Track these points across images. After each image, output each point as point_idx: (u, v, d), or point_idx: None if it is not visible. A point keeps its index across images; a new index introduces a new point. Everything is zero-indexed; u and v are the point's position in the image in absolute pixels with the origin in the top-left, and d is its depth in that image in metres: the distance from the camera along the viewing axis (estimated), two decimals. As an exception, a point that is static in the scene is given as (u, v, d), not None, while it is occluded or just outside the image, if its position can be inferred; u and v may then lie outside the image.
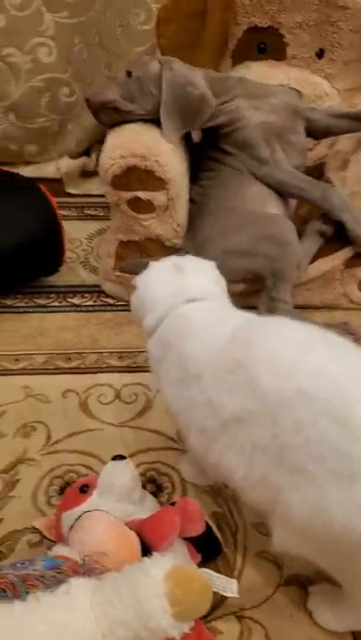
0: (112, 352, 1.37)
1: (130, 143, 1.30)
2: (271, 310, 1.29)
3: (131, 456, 1.12)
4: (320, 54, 1.54)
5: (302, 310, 1.49)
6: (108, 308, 1.53)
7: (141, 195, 1.35)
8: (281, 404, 0.70)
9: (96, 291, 1.58)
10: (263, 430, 0.72)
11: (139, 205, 1.37)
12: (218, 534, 0.92)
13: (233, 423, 0.76)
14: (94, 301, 1.55)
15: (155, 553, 0.76)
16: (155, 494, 1.06)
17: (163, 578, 0.69)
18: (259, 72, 1.56)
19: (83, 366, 1.34)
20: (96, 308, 1.52)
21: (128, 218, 1.40)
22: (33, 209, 1.43)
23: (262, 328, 0.81)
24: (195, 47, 1.50)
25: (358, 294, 1.48)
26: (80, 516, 0.85)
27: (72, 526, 0.84)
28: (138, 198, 1.36)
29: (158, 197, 1.35)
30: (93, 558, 0.77)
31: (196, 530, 0.86)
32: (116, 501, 0.88)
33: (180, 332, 0.89)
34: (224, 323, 0.87)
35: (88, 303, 1.54)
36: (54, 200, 1.48)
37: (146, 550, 0.81)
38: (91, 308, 1.52)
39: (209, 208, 1.43)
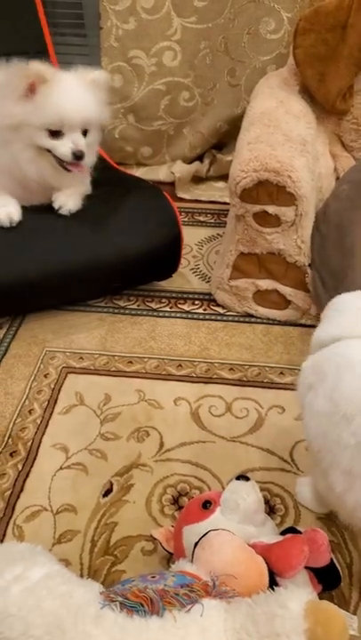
0: (223, 363, 1.37)
1: (264, 157, 1.29)
2: None
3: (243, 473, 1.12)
4: None
5: None
6: (219, 317, 1.53)
7: (270, 209, 1.34)
8: None
9: (206, 299, 1.58)
10: None
11: (265, 219, 1.36)
12: (338, 565, 0.91)
13: None
14: (204, 309, 1.55)
15: (288, 584, 0.75)
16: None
17: (303, 613, 0.68)
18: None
19: (193, 375, 1.34)
20: (206, 317, 1.52)
21: (252, 230, 1.39)
22: (158, 215, 1.45)
23: None
24: (331, 60, 1.48)
25: None
26: (206, 534, 0.85)
27: (197, 543, 0.85)
28: (265, 212, 1.35)
29: (287, 213, 1.34)
30: (222, 580, 0.77)
31: (323, 561, 0.85)
32: (239, 522, 0.88)
33: (340, 364, 0.84)
34: None
35: (198, 311, 1.55)
36: (176, 207, 1.50)
37: (271, 577, 0.81)
38: (201, 316, 1.52)
39: None
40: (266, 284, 1.47)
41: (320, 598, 0.89)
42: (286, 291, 1.44)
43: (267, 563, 0.82)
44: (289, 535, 0.85)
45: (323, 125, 1.62)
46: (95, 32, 1.98)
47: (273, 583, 0.81)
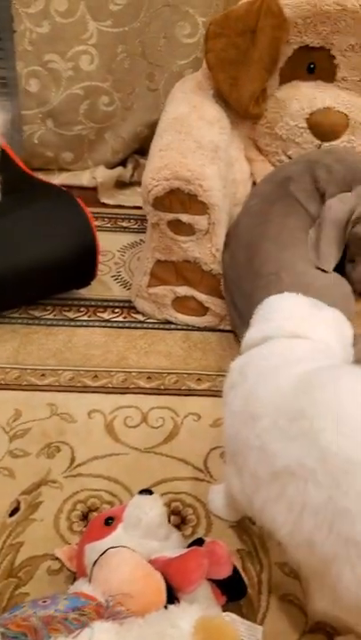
0: (141, 372, 1.35)
1: (174, 165, 1.28)
2: None
3: (156, 485, 1.10)
4: (372, 79, 1.52)
5: None
6: (138, 325, 1.51)
7: (183, 217, 1.33)
8: (345, 468, 0.64)
9: (127, 306, 1.56)
10: (318, 490, 0.66)
11: (179, 227, 1.35)
12: (243, 575, 0.90)
13: (284, 475, 0.71)
14: (124, 317, 1.53)
15: (182, 601, 0.74)
16: (178, 527, 1.04)
17: (192, 631, 0.66)
18: (307, 93, 1.53)
19: (110, 385, 1.32)
20: (126, 325, 1.50)
21: (167, 238, 1.38)
22: (70, 221, 1.42)
23: (330, 375, 0.75)
24: (242, 64, 1.48)
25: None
26: (105, 552, 0.83)
27: (96, 561, 0.83)
28: (179, 220, 1.34)
29: (199, 221, 1.33)
30: (118, 599, 0.75)
31: (224, 573, 0.84)
32: (141, 537, 0.87)
33: (261, 365, 0.84)
34: (298, 364, 0.80)
35: (118, 319, 1.52)
36: (89, 212, 1.47)
37: (170, 592, 0.80)
38: (120, 325, 1.50)
39: None
40: (183, 290, 1.46)
41: (227, 608, 0.89)
42: (203, 298, 1.44)
43: (166, 578, 0.80)
44: (189, 549, 0.84)
45: (237, 130, 1.62)
46: (9, 35, 1.93)
47: (174, 599, 0.80)
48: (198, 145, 1.36)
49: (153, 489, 1.06)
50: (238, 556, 1.00)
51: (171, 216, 1.33)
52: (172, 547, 0.89)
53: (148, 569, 0.80)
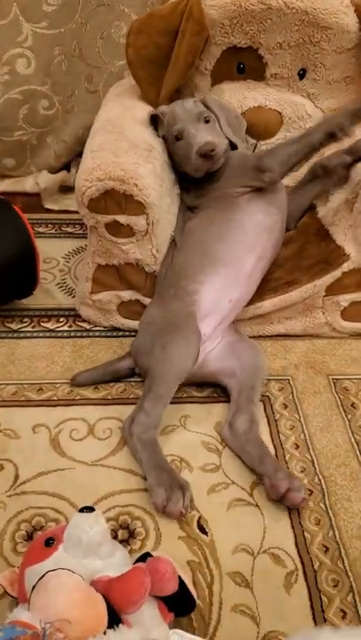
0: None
1: (107, 165, 1.25)
2: (132, 420, 1.16)
3: (103, 499, 1.07)
4: (302, 74, 1.50)
5: (284, 339, 1.45)
6: (85, 334, 1.47)
7: (120, 219, 1.30)
8: None
9: (72, 315, 1.52)
10: None
11: (117, 229, 1.32)
12: (192, 589, 0.87)
13: None
14: (70, 326, 1.49)
15: (121, 627, 0.70)
16: (127, 541, 1.00)
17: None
18: (237, 93, 1.51)
19: (55, 398, 1.28)
20: (72, 334, 1.46)
21: (106, 241, 1.35)
22: (4, 229, 1.36)
23: None
24: (162, 64, 1.45)
25: (342, 323, 1.44)
26: (44, 575, 0.79)
27: (34, 586, 0.79)
28: (116, 222, 1.30)
29: (138, 222, 1.30)
30: (56, 626, 0.72)
31: (168, 590, 0.81)
32: (82, 557, 0.83)
33: None
34: None
35: (63, 328, 1.48)
36: (27, 219, 1.42)
37: (113, 613, 0.76)
38: (66, 334, 1.46)
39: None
40: (128, 295, 1.42)
41: (178, 624, 0.86)
42: (147, 301, 1.40)
43: (108, 600, 0.77)
44: (131, 567, 0.80)
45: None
46: None
47: (118, 620, 0.76)
48: (131, 144, 1.33)
49: (100, 503, 1.05)
50: (189, 567, 0.97)
51: (108, 218, 1.30)
52: (116, 564, 0.85)
53: (88, 592, 0.77)
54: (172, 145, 1.43)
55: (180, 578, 0.85)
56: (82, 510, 0.87)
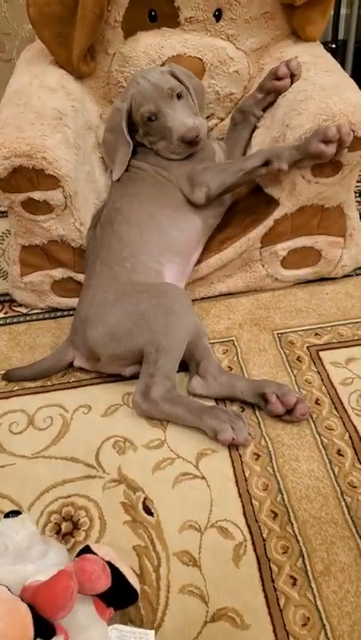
0: (25, 370, 1.26)
1: (11, 142, 1.16)
2: (148, 389, 1.11)
3: (45, 492, 1.03)
4: (218, 15, 1.39)
5: (228, 298, 1.40)
6: (22, 319, 1.41)
7: (35, 195, 1.22)
8: None
9: (7, 300, 1.46)
10: None
11: (35, 206, 1.25)
12: (133, 579, 0.84)
13: None
14: (5, 313, 1.43)
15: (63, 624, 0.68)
16: (71, 533, 0.97)
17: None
18: (153, 43, 1.41)
19: (-8, 391, 1.23)
20: (7, 321, 1.40)
21: (25, 221, 1.28)
22: None
23: None
24: (68, 21, 1.33)
25: (284, 272, 1.38)
26: (-33, 591, 0.76)
27: None
28: (32, 199, 1.23)
29: (54, 196, 1.23)
30: (-21, 644, 0.69)
31: (99, 588, 0.78)
32: (11, 564, 0.80)
33: None
34: None
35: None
36: None
37: (41, 620, 0.74)
38: (1, 321, 1.40)
39: (95, 267, 1.26)
40: (60, 273, 1.36)
41: (124, 614, 0.84)
42: (80, 277, 1.34)
43: (36, 608, 0.74)
44: (55, 572, 0.77)
45: (91, 94, 1.49)
46: None
47: (49, 627, 0.74)
48: (38, 115, 1.24)
49: (42, 497, 1.01)
50: (135, 553, 0.94)
51: (21, 196, 1.22)
52: (50, 565, 0.82)
53: (11, 604, 0.73)
54: (141, 125, 1.34)
55: (117, 570, 0.82)
56: (7, 515, 0.83)
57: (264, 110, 1.41)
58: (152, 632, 0.81)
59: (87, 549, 0.86)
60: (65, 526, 0.99)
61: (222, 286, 1.39)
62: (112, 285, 1.19)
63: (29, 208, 1.25)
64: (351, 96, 1.22)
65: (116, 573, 0.82)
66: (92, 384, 1.23)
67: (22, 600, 0.74)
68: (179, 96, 1.30)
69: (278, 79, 1.34)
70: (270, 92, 1.37)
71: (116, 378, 1.22)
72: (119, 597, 0.82)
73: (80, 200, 1.27)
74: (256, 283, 1.40)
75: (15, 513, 0.84)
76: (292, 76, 1.34)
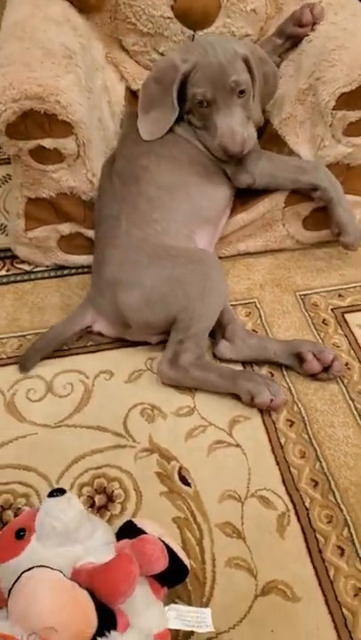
0: (37, 333, 1.17)
1: (21, 82, 1.05)
2: (176, 356, 1.06)
3: (74, 463, 0.99)
4: None
5: (245, 257, 1.34)
6: (26, 277, 1.32)
7: (46, 143, 1.12)
8: None
9: (9, 256, 1.36)
10: None
11: (44, 155, 1.14)
12: (182, 555, 0.81)
13: None
14: (7, 270, 1.33)
15: (113, 632, 0.64)
16: (105, 506, 0.93)
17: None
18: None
19: (4, 356, 1.15)
20: (11, 279, 1.31)
21: (33, 171, 1.17)
22: None
23: None
24: None
25: (305, 233, 1.33)
26: (19, 578, 0.71)
27: (10, 590, 0.71)
28: (42, 147, 1.13)
29: (66, 144, 1.13)
30: (42, 636, 0.65)
31: (158, 569, 0.74)
32: (59, 546, 0.75)
33: None
34: None
35: (1, 273, 1.33)
36: None
37: (102, 606, 0.70)
38: (4, 280, 1.31)
39: (122, 227, 1.14)
40: (67, 228, 1.27)
41: (172, 591, 0.81)
42: (90, 233, 1.26)
43: (95, 593, 0.70)
44: (115, 556, 0.73)
45: (96, 31, 1.37)
46: None
47: (107, 612, 0.70)
48: (47, 52, 1.12)
49: (71, 468, 0.97)
50: (175, 526, 0.91)
51: (31, 144, 1.12)
52: (98, 544, 0.78)
53: (72, 592, 0.69)
54: (190, 101, 1.19)
55: (168, 547, 0.78)
56: (51, 494, 0.78)
57: (280, 56, 1.33)
58: (209, 610, 0.78)
59: (130, 525, 0.82)
60: (98, 499, 0.94)
61: (242, 246, 1.33)
62: (144, 248, 1.11)
63: (38, 157, 1.15)
64: (387, 45, 1.14)
65: (167, 550, 0.78)
66: (111, 348, 1.16)
67: (79, 585, 0.70)
68: (241, 92, 1.16)
69: (301, 26, 1.25)
70: (290, 38, 1.29)
71: (136, 342, 1.16)
72: (172, 575, 0.78)
73: (93, 149, 1.17)
74: (276, 243, 1.34)
75: (60, 491, 0.78)
76: (314, 23, 1.26)
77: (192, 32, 1.37)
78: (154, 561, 0.73)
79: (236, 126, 1.15)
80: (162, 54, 1.40)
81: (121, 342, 1.17)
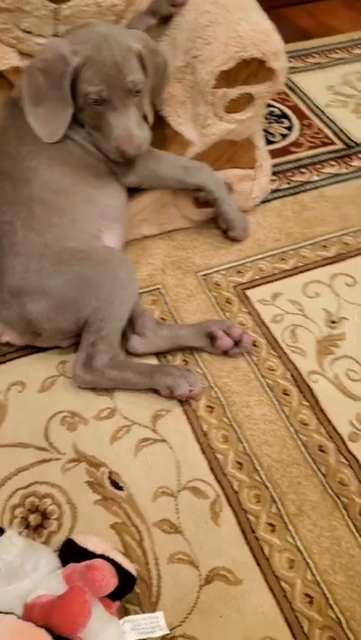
0: None
1: None
2: (90, 359, 1.05)
3: (1, 486, 0.96)
4: None
5: (142, 241, 1.33)
6: None
7: None
8: None
9: None
10: None
11: None
12: (127, 564, 0.82)
13: None
14: None
15: None
16: (42, 525, 0.93)
17: None
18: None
19: None
20: None
21: None
22: None
23: None
24: None
25: (196, 211, 1.33)
26: (-29, 627, 0.70)
27: (-36, 641, 0.70)
28: None
29: None
30: None
31: (109, 590, 0.76)
32: (7, 585, 0.75)
33: None
34: None
35: None
36: None
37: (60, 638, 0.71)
38: None
39: (15, 229, 1.08)
40: None
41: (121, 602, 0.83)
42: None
43: (51, 626, 0.70)
44: (67, 590, 0.73)
45: None
46: None
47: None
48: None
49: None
50: (114, 532, 0.92)
51: None
52: (45, 573, 0.78)
53: (28, 630, 0.69)
54: (82, 98, 1.10)
55: (114, 562, 0.80)
56: (-10, 536, 0.76)
57: (154, 37, 1.28)
58: (161, 613, 0.82)
59: (72, 544, 0.83)
60: (33, 518, 0.93)
61: (136, 230, 1.31)
62: (46, 254, 1.06)
63: None
64: (259, 21, 1.14)
65: (112, 565, 0.80)
66: (19, 357, 1.13)
67: (35, 623, 0.71)
68: (137, 91, 1.10)
69: (175, 5, 1.22)
70: (164, 18, 1.25)
71: (45, 347, 1.13)
72: (121, 588, 0.80)
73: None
74: (170, 224, 1.34)
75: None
76: None
77: (54, 5, 1.28)
78: (105, 585, 0.75)
79: (133, 128, 1.11)
80: (26, 31, 1.30)
81: (29, 349, 1.13)
